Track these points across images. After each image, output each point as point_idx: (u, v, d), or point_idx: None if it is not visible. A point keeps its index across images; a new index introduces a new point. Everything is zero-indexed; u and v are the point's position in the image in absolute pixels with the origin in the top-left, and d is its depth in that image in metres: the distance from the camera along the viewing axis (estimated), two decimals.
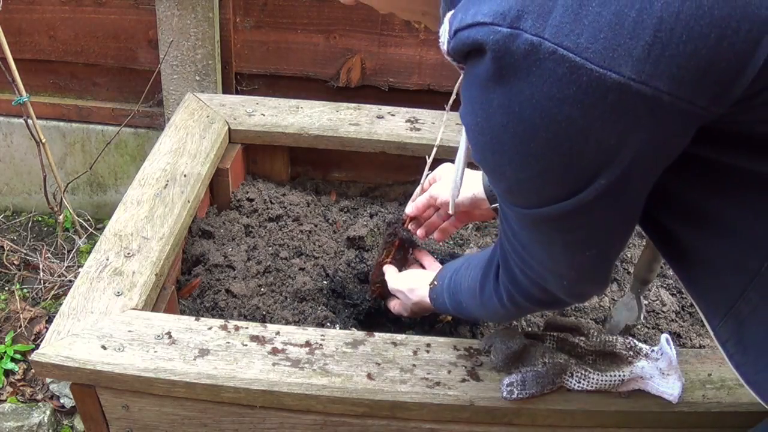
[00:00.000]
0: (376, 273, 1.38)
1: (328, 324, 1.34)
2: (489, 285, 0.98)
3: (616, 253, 0.84)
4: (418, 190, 1.38)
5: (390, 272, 1.34)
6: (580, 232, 0.74)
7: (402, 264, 1.38)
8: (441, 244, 1.54)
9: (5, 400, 1.79)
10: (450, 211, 1.19)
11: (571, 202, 0.68)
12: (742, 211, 0.73)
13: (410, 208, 1.37)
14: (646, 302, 1.35)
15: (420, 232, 1.39)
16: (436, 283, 1.20)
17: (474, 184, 1.27)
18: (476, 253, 1.19)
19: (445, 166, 1.36)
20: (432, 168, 1.37)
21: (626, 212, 0.74)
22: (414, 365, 1.09)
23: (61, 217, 2.11)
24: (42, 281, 2.08)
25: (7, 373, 1.86)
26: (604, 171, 0.65)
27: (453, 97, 1.31)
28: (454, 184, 1.08)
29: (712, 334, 0.83)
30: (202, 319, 1.15)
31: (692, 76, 0.58)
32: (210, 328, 1.13)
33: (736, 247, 0.75)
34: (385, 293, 1.37)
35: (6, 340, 1.91)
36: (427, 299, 1.21)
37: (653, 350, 1.08)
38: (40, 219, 2.38)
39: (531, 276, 0.86)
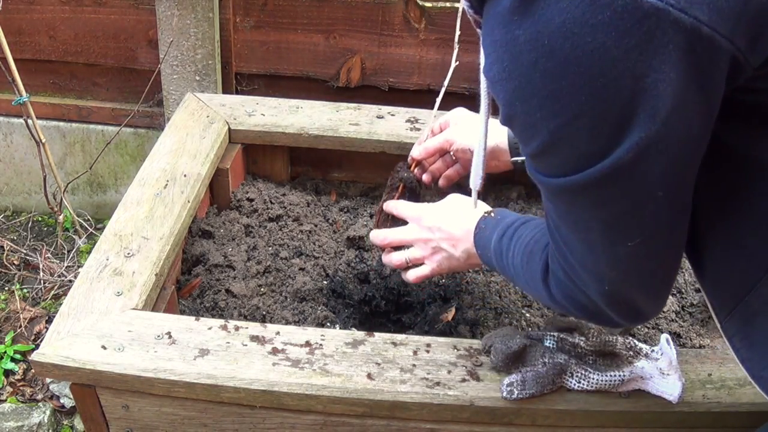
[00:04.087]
0: (379, 219, 1.27)
1: (328, 324, 1.34)
2: (538, 271, 0.89)
3: (665, 249, 0.74)
4: (426, 133, 1.30)
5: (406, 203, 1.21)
6: (620, 205, 0.68)
7: None
8: None
9: (5, 400, 1.80)
10: (474, 207, 1.08)
11: (607, 164, 0.63)
12: (762, 199, 0.71)
13: (418, 152, 1.28)
14: None
15: (426, 177, 1.33)
16: (493, 215, 1.05)
17: (498, 134, 1.20)
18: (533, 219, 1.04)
19: (458, 111, 1.29)
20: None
21: (670, 185, 0.67)
22: (414, 365, 1.09)
23: (61, 217, 2.11)
24: (42, 281, 2.08)
25: (7, 373, 1.86)
26: (640, 117, 0.60)
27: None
28: (475, 173, 0.99)
29: (719, 327, 0.82)
30: (202, 319, 1.15)
31: (732, 8, 0.55)
32: (210, 328, 1.13)
33: (753, 239, 0.73)
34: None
35: (6, 340, 1.91)
36: (472, 226, 1.06)
37: (653, 350, 1.08)
38: (40, 219, 2.38)
39: (574, 279, 0.81)
